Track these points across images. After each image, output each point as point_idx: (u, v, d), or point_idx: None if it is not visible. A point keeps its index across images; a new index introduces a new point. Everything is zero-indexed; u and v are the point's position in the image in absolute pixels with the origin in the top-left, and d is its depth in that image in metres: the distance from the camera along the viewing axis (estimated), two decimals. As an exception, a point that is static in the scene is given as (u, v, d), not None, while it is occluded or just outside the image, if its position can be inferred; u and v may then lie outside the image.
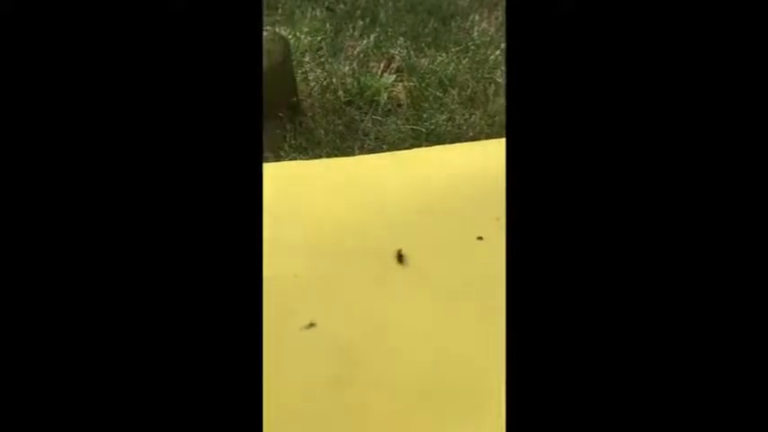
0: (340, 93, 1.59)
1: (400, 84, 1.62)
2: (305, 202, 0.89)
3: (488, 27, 1.84)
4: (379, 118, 1.54)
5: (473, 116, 1.53)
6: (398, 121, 1.53)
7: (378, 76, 1.63)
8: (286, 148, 1.45)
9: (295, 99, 1.50)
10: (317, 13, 1.85)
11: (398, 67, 1.67)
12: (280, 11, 1.87)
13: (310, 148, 1.44)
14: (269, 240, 0.48)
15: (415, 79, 1.63)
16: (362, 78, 1.61)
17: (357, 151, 1.41)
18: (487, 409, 0.63)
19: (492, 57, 1.71)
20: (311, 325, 0.67)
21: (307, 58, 1.70)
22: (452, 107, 1.55)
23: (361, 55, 1.71)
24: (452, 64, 1.68)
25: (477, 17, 1.88)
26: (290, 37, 1.71)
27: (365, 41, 1.74)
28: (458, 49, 1.74)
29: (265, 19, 1.82)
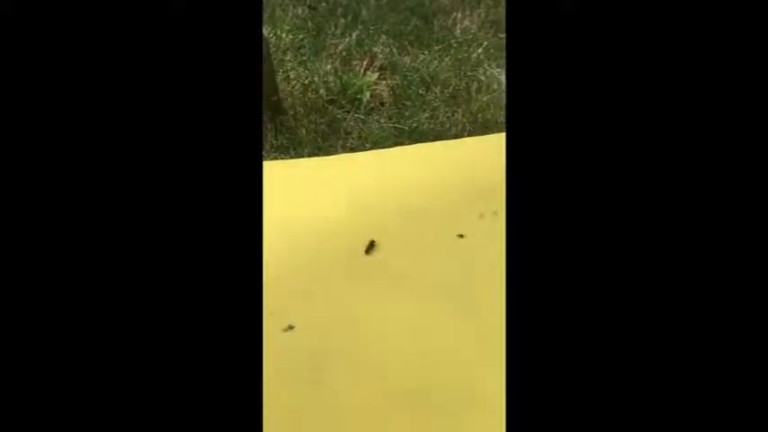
0: (322, 91, 1.58)
1: (383, 82, 1.62)
2: (286, 202, 0.88)
3: (470, 25, 1.84)
4: (362, 116, 1.53)
5: (456, 114, 1.52)
6: (381, 120, 1.52)
7: (360, 75, 1.62)
8: (267, 147, 1.44)
9: (276, 98, 1.49)
10: (299, 12, 1.84)
11: (381, 65, 1.66)
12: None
13: (292, 147, 1.43)
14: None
15: (397, 77, 1.62)
16: (345, 77, 1.60)
17: (339, 150, 1.40)
18: (466, 407, 0.62)
19: (474, 55, 1.71)
20: (290, 327, 0.66)
21: (288, 57, 1.68)
22: (435, 105, 1.55)
23: (344, 53, 1.70)
24: (435, 62, 1.67)
25: (459, 15, 1.87)
26: (270, 36, 1.69)
27: (347, 40, 1.73)
28: (440, 47, 1.73)
29: (246, 17, 1.80)
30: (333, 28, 1.78)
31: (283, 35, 1.74)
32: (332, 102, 1.56)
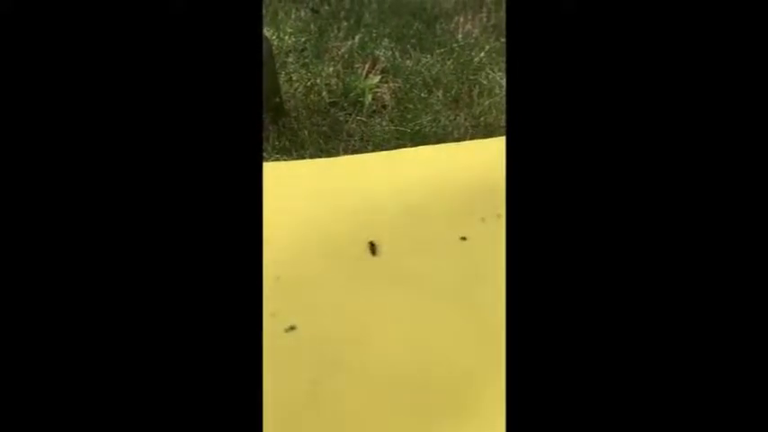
0: (324, 94, 1.58)
1: (385, 85, 1.62)
2: (288, 203, 0.88)
3: (473, 29, 1.85)
4: (364, 119, 1.53)
5: (458, 117, 1.53)
6: (383, 122, 1.52)
7: (362, 78, 1.62)
8: (269, 149, 1.44)
9: (278, 100, 1.49)
10: (302, 14, 1.84)
11: (383, 68, 1.66)
12: (264, 11, 1.86)
13: (294, 149, 1.43)
14: None
15: (399, 80, 1.63)
16: (347, 79, 1.61)
17: (342, 152, 1.40)
18: (469, 410, 0.62)
19: (476, 59, 1.71)
20: (292, 328, 0.66)
21: (290, 59, 1.69)
22: (437, 108, 1.55)
23: (346, 56, 1.70)
24: (437, 65, 1.68)
25: (461, 19, 1.88)
26: (273, 38, 1.70)
27: (350, 42, 1.73)
28: (442, 50, 1.74)
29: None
30: (335, 31, 1.79)
31: (286, 37, 1.74)
32: (334, 104, 1.57)
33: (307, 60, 1.68)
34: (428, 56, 1.72)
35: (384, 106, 1.57)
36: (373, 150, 1.36)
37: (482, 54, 1.72)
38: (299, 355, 0.66)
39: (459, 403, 0.63)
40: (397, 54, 1.71)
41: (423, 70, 1.66)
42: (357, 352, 0.68)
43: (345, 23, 1.80)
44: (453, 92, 1.60)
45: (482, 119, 1.51)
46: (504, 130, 1.45)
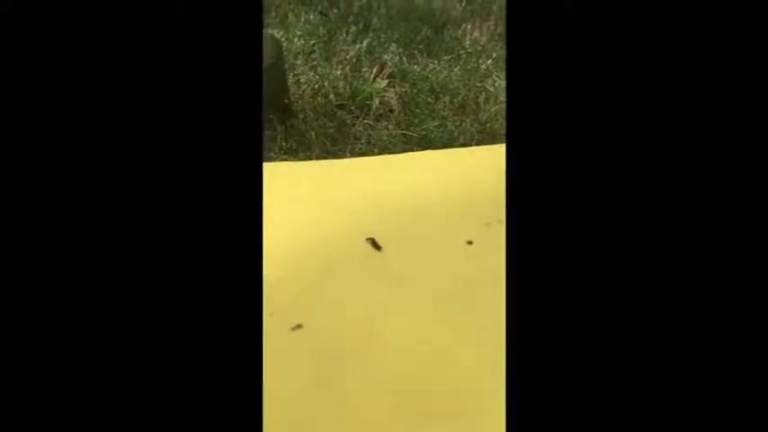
0: (332, 96, 1.59)
1: (392, 89, 1.63)
2: (294, 203, 0.89)
3: (480, 36, 1.86)
4: (371, 122, 1.54)
5: (464, 123, 1.53)
6: (390, 126, 1.53)
7: (370, 81, 1.63)
8: (276, 149, 1.45)
9: (287, 101, 1.50)
10: (311, 17, 1.86)
11: (391, 72, 1.67)
12: (273, 14, 1.88)
13: (301, 150, 1.44)
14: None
15: (406, 85, 1.64)
16: (355, 83, 1.61)
17: (348, 155, 1.41)
18: (474, 412, 0.63)
19: (483, 66, 1.72)
20: (298, 326, 0.67)
21: (299, 61, 1.70)
22: (444, 114, 1.56)
23: (354, 60, 1.71)
24: (444, 71, 1.69)
25: (469, 26, 1.89)
26: (282, 40, 1.71)
27: (358, 46, 1.74)
28: (450, 57, 1.75)
29: (258, 21, 1.82)
30: (344, 35, 1.80)
31: (295, 39, 1.75)
32: (341, 107, 1.57)
33: (315, 63, 1.69)
34: (435, 62, 1.73)
35: (391, 110, 1.58)
36: (379, 154, 1.36)
37: (489, 61, 1.73)
38: (304, 353, 0.66)
39: (463, 405, 0.64)
40: (404, 59, 1.72)
41: (430, 76, 1.67)
42: (362, 351, 0.68)
43: (354, 28, 1.81)
44: (460, 98, 1.61)
45: (488, 125, 1.52)
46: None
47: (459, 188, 1.02)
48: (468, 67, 1.71)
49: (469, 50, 1.78)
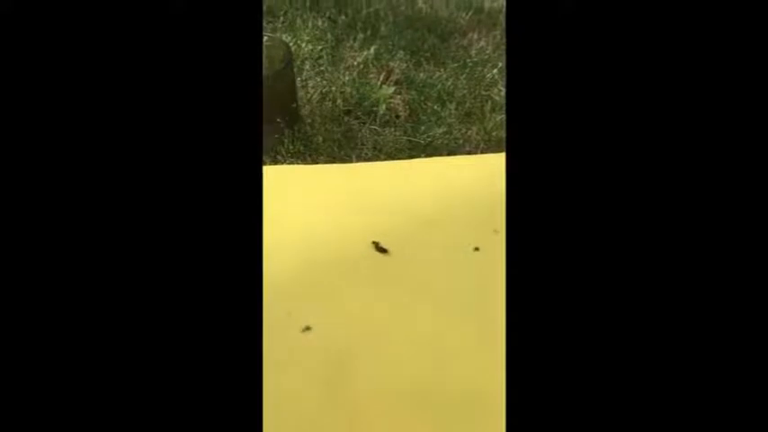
0: (339, 101, 1.60)
1: (399, 96, 1.64)
2: (301, 206, 0.89)
3: (486, 46, 1.87)
4: (377, 128, 1.55)
5: (470, 131, 1.55)
6: (396, 132, 1.54)
7: (377, 87, 1.64)
8: (283, 152, 1.46)
9: (294, 105, 1.51)
10: (319, 23, 1.87)
11: (397, 79, 1.68)
12: (281, 18, 1.89)
13: (308, 154, 1.45)
14: (264, 244, 0.49)
15: (413, 92, 1.65)
16: (362, 88, 1.62)
17: (354, 160, 1.42)
18: (481, 413, 0.63)
19: (489, 75, 1.74)
20: (307, 329, 0.67)
21: (307, 66, 1.71)
22: (450, 121, 1.57)
23: (361, 66, 1.72)
24: (450, 79, 1.70)
25: (475, 36, 1.91)
26: (291, 45, 1.72)
27: (365, 53, 1.76)
28: (456, 65, 1.76)
29: (267, 26, 1.83)
30: (351, 41, 1.81)
31: (303, 44, 1.77)
32: (348, 112, 1.59)
33: (323, 68, 1.70)
34: (442, 70, 1.74)
35: (397, 116, 1.59)
36: (385, 159, 1.37)
37: (495, 71, 1.74)
38: (314, 356, 0.67)
39: (471, 406, 0.64)
40: (411, 66, 1.74)
41: (436, 83, 1.68)
42: (370, 354, 0.69)
43: (362, 34, 1.83)
44: (466, 106, 1.62)
45: (494, 133, 1.54)
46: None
47: (467, 195, 1.02)
48: (475, 75, 1.73)
49: (475, 59, 1.79)
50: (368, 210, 0.92)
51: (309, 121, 1.54)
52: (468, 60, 1.78)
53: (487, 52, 1.84)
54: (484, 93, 1.67)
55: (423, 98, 1.63)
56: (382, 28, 1.87)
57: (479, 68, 1.76)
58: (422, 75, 1.72)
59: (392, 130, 1.55)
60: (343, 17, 1.90)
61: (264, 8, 1.87)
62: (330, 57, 1.74)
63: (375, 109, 1.58)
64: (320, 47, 1.77)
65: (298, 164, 1.38)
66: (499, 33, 1.91)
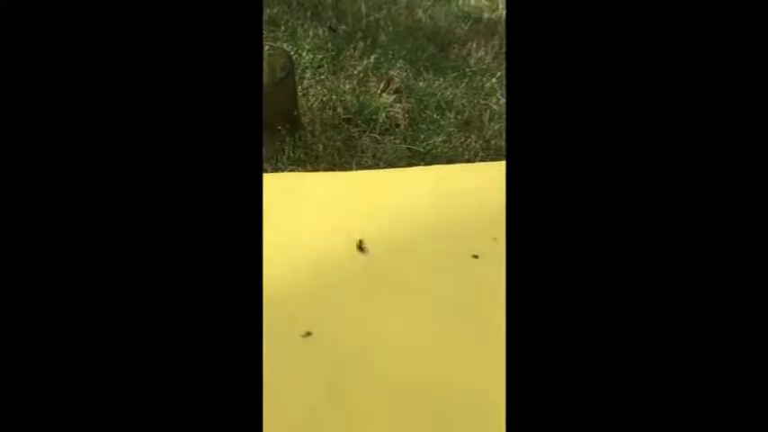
0: (339, 110, 1.61)
1: (398, 104, 1.65)
2: (301, 213, 0.90)
3: (485, 56, 1.89)
4: (377, 136, 1.56)
5: (469, 140, 1.56)
6: (396, 141, 1.55)
7: (377, 96, 1.66)
8: (284, 160, 1.47)
9: (296, 113, 1.52)
10: (320, 33, 1.89)
11: (397, 88, 1.70)
12: (282, 27, 1.91)
13: (308, 161, 1.46)
14: (265, 250, 0.49)
15: (413, 101, 1.66)
16: (362, 97, 1.64)
17: (354, 167, 1.43)
18: (483, 417, 0.64)
19: (488, 84, 1.75)
20: (308, 334, 0.68)
21: (308, 75, 1.72)
22: (449, 130, 1.58)
23: (361, 74, 1.74)
24: (450, 88, 1.72)
25: (474, 45, 1.92)
26: (292, 53, 1.73)
27: (365, 62, 1.77)
28: (455, 74, 1.78)
29: (269, 36, 1.85)
30: (352, 50, 1.83)
31: (304, 53, 1.78)
32: (348, 120, 1.60)
33: (323, 77, 1.72)
34: (441, 79, 1.76)
35: (397, 125, 1.60)
36: (385, 167, 1.39)
37: (493, 80, 1.76)
38: (315, 361, 0.67)
39: (472, 409, 0.65)
40: (411, 75, 1.75)
41: (436, 92, 1.70)
42: (371, 359, 0.69)
43: (362, 43, 1.85)
44: (465, 115, 1.63)
45: (492, 142, 1.55)
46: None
47: (466, 203, 1.03)
48: (474, 85, 1.74)
49: (474, 69, 1.81)
50: (367, 217, 0.92)
51: (310, 128, 1.56)
52: (467, 70, 1.80)
53: (486, 62, 1.85)
54: (482, 102, 1.69)
55: (422, 107, 1.65)
56: (382, 37, 1.88)
57: (478, 78, 1.77)
58: (421, 84, 1.73)
59: (392, 138, 1.56)
60: (343, 27, 1.92)
61: (266, 18, 1.89)
62: (331, 66, 1.76)
63: (375, 117, 1.59)
64: (321, 56, 1.79)
65: (299, 171, 1.39)
66: (497, 43, 1.93)
